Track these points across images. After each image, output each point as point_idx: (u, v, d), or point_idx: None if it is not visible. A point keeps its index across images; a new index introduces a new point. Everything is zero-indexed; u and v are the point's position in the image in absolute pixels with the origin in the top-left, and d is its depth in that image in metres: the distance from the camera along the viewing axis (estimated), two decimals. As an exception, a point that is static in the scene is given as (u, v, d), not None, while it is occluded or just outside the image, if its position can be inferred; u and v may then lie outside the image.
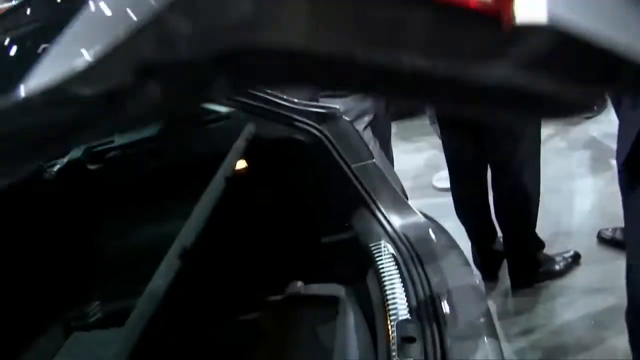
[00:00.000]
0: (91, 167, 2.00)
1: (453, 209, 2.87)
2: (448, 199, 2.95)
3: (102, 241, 2.06)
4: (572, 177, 3.60)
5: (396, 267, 1.69)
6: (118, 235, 2.03)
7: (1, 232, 1.84)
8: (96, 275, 2.09)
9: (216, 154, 1.90)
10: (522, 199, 2.58)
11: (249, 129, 1.81)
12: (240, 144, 1.68)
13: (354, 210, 1.86)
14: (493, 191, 2.69)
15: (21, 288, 1.90)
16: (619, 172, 1.70)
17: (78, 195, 2.00)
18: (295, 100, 1.91)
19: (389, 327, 1.33)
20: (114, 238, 2.04)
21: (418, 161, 4.41)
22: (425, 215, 1.88)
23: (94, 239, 2.05)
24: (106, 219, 2.03)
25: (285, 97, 1.91)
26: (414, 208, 1.88)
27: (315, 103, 1.94)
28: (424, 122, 4.44)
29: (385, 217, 1.83)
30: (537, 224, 2.73)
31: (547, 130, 2.63)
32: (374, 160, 1.92)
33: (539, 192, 2.63)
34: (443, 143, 2.82)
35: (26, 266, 1.95)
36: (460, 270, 1.60)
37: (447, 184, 3.63)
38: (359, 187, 1.85)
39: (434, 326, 1.30)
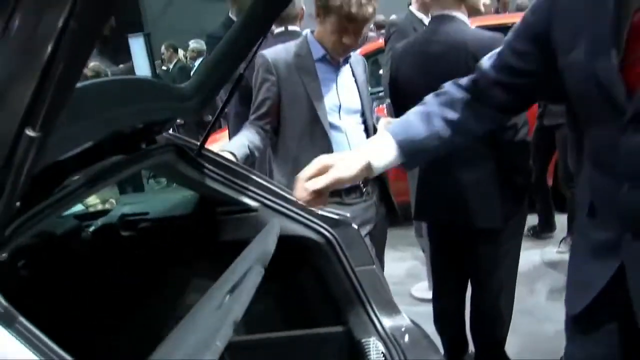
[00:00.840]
0: (124, 233, 2.23)
1: (428, 318, 3.10)
2: (424, 309, 3.18)
3: (121, 306, 2.25)
4: (543, 301, 3.87)
5: (385, 364, 1.95)
6: (136, 303, 2.24)
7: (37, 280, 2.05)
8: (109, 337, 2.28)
9: (242, 242, 2.17)
10: (496, 317, 2.83)
11: (277, 224, 2.07)
12: (273, 237, 1.93)
13: (351, 307, 2.11)
14: (471, 306, 2.94)
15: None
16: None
17: (108, 258, 2.22)
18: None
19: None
20: (133, 305, 2.24)
21: (400, 270, 4.67)
22: (413, 322, 2.14)
23: (115, 303, 2.25)
24: (128, 285, 2.24)
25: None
26: (404, 314, 2.14)
27: (329, 209, 2.21)
28: (410, 233, 4.73)
29: (377, 318, 2.09)
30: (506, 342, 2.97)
31: (524, 252, 2.92)
32: (374, 266, 2.19)
33: (512, 312, 2.89)
34: (430, 257, 3.09)
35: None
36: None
37: (425, 295, 3.89)
38: (359, 288, 2.11)
39: None
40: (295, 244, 2.14)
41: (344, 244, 2.13)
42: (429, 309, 3.12)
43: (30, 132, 0.90)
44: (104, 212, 2.44)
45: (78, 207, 2.87)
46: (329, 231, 2.14)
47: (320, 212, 2.17)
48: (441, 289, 3.04)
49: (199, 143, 2.12)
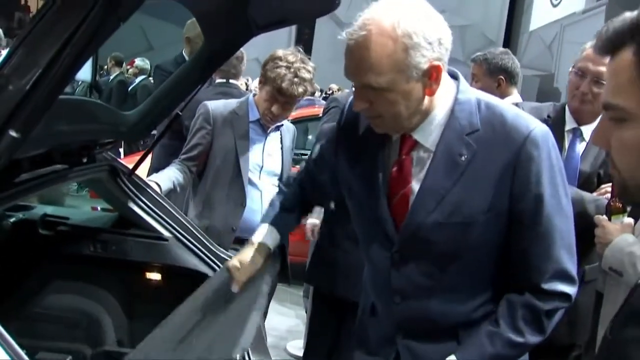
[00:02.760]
0: (42, 231, 2.42)
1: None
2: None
3: (27, 297, 2.42)
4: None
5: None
6: (41, 295, 2.42)
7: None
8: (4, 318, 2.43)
9: (147, 265, 2.40)
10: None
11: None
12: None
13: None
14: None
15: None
16: None
17: (23, 252, 2.40)
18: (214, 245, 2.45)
19: None
20: (38, 297, 2.42)
21: (281, 324, 4.92)
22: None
23: (21, 292, 2.41)
24: (36, 279, 2.42)
25: (208, 239, 2.45)
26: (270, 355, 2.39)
27: (228, 254, 2.48)
28: (299, 293, 5.01)
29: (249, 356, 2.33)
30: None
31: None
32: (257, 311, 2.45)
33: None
34: (309, 318, 3.36)
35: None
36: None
37: (299, 352, 4.13)
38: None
39: None
40: (192, 277, 2.39)
41: None
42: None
43: (13, 133, 1.16)
44: (27, 207, 2.62)
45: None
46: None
47: (222, 255, 2.44)
48: (311, 351, 3.30)
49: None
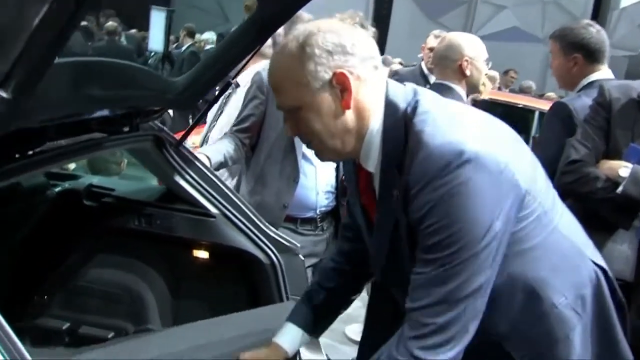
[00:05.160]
0: (87, 202, 2.33)
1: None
2: (351, 349, 3.26)
3: (70, 269, 2.34)
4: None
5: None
6: (84, 268, 2.33)
7: None
8: (48, 290, 2.36)
9: (192, 243, 2.27)
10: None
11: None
12: None
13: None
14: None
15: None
16: None
17: (67, 222, 2.31)
18: (265, 223, 2.30)
19: None
20: (82, 269, 2.33)
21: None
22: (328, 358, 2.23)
23: (65, 264, 2.34)
24: (80, 251, 2.33)
25: (259, 217, 2.29)
26: (323, 351, 2.23)
27: (279, 234, 2.32)
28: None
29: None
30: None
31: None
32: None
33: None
34: (369, 302, 3.19)
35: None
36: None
37: (358, 337, 3.96)
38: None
39: None
40: (240, 258, 2.24)
41: (286, 270, 2.24)
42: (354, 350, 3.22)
43: (3, 94, 1.02)
44: (74, 177, 2.53)
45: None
46: (275, 254, 2.24)
47: (273, 234, 2.28)
48: (369, 335, 3.14)
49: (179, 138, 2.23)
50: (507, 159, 1.26)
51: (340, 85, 1.29)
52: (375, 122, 1.33)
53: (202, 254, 2.34)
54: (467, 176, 1.20)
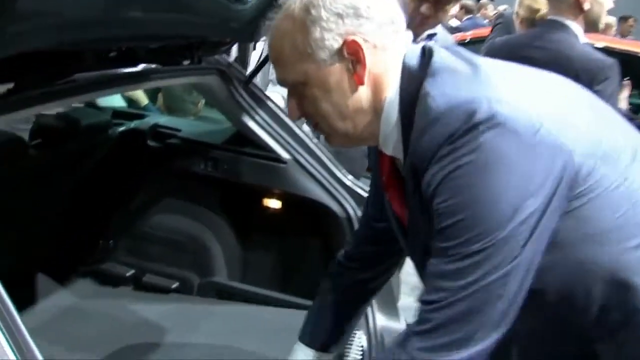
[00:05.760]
0: (151, 143, 2.16)
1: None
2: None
3: (134, 214, 2.21)
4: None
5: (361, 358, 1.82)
6: (148, 213, 2.20)
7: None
8: (113, 234, 2.25)
9: (259, 189, 2.07)
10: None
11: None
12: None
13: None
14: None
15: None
16: None
17: (131, 164, 2.17)
18: (343, 172, 2.06)
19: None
20: (146, 215, 2.21)
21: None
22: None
23: (129, 209, 2.21)
24: (143, 195, 2.19)
25: (337, 166, 2.05)
26: (401, 315, 2.00)
27: (361, 184, 2.07)
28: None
29: (373, 314, 1.95)
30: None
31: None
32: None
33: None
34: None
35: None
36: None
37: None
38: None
39: None
40: (313, 209, 2.02)
41: None
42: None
43: None
44: (141, 116, 2.38)
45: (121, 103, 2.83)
46: (352, 207, 2.00)
47: (351, 184, 2.04)
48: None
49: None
50: (545, 118, 0.94)
51: (353, 56, 1.03)
52: (393, 96, 1.05)
53: (271, 203, 2.14)
54: (482, 142, 0.90)
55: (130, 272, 2.21)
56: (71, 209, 2.15)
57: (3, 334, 0.83)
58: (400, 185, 1.11)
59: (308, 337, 1.45)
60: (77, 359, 1.76)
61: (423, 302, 0.98)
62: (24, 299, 2.00)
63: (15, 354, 0.82)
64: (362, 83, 1.04)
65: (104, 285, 2.20)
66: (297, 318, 1.47)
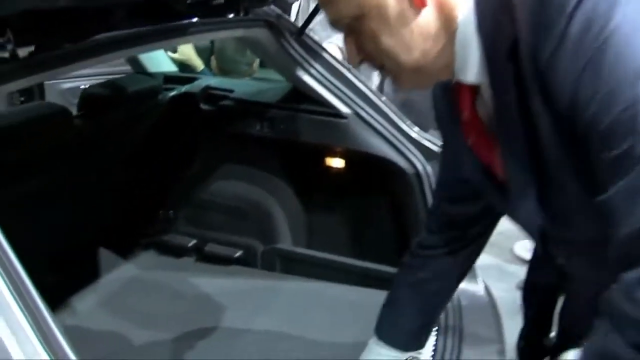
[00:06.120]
0: (204, 106, 2.06)
1: (519, 282, 2.78)
2: (517, 269, 2.85)
3: (192, 182, 2.14)
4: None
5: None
6: (206, 180, 2.10)
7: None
8: (173, 204, 2.18)
9: (320, 147, 1.93)
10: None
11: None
12: None
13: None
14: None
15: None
16: None
17: (184, 129, 2.07)
18: (409, 125, 1.89)
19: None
20: (204, 182, 2.12)
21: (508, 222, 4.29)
22: (487, 289, 1.84)
23: (186, 176, 2.12)
24: (200, 162, 2.10)
25: (403, 119, 1.89)
26: (479, 276, 1.84)
27: (430, 137, 1.90)
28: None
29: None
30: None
31: None
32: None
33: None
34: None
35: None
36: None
37: (526, 255, 3.51)
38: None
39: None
40: (379, 166, 1.87)
41: (432, 178, 1.83)
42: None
43: None
44: (192, 80, 2.27)
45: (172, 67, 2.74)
46: (421, 162, 1.84)
47: (419, 138, 1.87)
48: (539, 259, 2.69)
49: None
50: None
51: None
52: (466, 8, 0.87)
53: (333, 162, 2.00)
54: None
55: (192, 242, 2.13)
56: (127, 179, 2.08)
57: (36, 335, 0.74)
58: (486, 128, 0.94)
59: (386, 336, 1.33)
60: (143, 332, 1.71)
61: (621, 240, 0.74)
62: (87, 274, 1.96)
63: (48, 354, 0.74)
64: (424, 4, 0.88)
65: (166, 256, 2.13)
66: (367, 296, 1.33)
